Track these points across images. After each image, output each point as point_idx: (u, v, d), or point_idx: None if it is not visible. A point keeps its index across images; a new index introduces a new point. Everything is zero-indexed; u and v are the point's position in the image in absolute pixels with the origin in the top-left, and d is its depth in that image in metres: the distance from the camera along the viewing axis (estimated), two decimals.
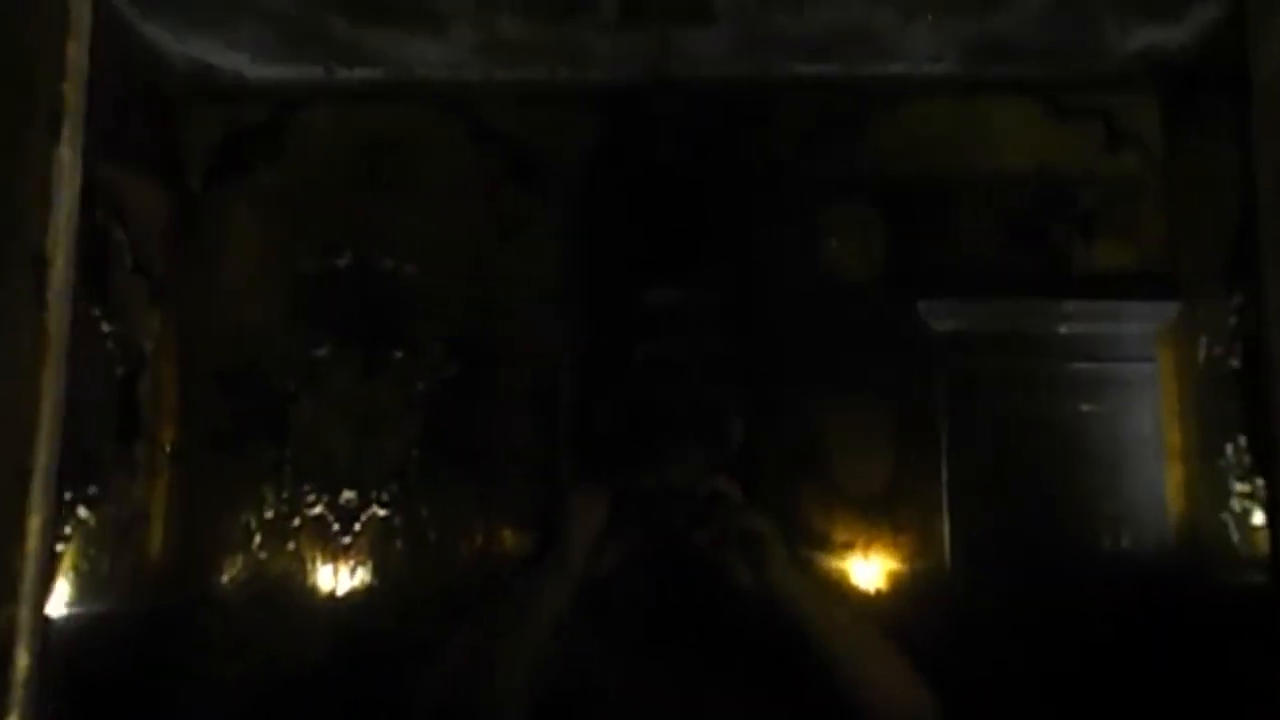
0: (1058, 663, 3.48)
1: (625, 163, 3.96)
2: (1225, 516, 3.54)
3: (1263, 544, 3.24)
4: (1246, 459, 3.36)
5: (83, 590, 3.40)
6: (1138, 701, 3.29)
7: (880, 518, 3.85)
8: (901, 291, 3.79)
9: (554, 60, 3.88)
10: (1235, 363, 3.44)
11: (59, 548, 3.32)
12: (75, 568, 3.40)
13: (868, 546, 3.81)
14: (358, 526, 4.01)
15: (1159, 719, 3.20)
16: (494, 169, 4.08)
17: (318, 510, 4.01)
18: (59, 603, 3.29)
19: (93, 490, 3.49)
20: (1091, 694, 3.40)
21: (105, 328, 3.63)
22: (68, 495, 3.38)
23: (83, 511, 3.44)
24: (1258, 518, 3.32)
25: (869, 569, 3.77)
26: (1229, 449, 3.49)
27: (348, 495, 4.02)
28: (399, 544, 4.00)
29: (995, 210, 3.87)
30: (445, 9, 3.60)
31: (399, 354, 4.07)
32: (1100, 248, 3.82)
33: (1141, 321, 3.76)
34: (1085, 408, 3.79)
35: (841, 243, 3.83)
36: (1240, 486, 3.43)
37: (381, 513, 4.01)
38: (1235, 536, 3.47)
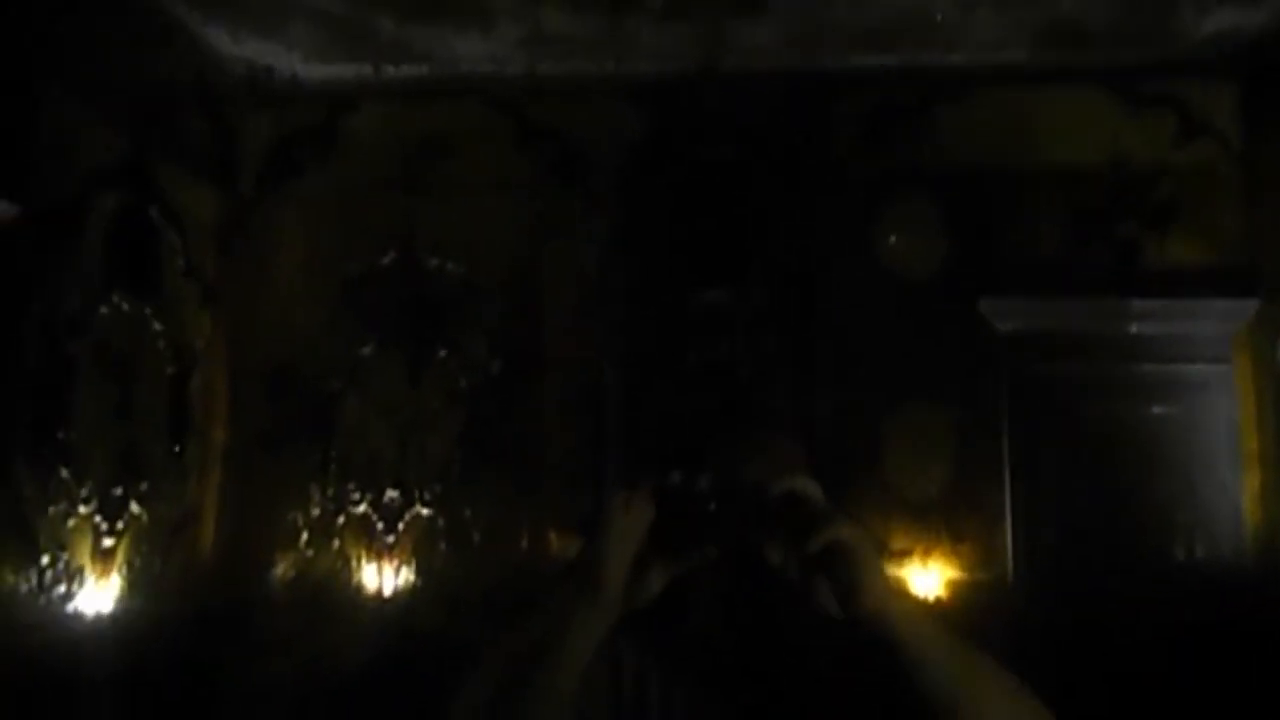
0: (1127, 679, 3.36)
1: (674, 158, 3.91)
2: None
3: None
4: None
5: (136, 588, 3.46)
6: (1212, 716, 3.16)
7: (939, 525, 3.76)
8: (963, 290, 3.69)
9: (600, 54, 3.85)
10: None
11: (109, 543, 3.38)
12: (129, 564, 3.45)
13: (926, 555, 3.72)
14: (401, 526, 4.03)
15: None
16: (539, 165, 4.07)
17: (362, 509, 4.04)
18: (113, 599, 3.35)
19: (144, 487, 3.55)
20: (1163, 711, 3.27)
21: (157, 327, 3.69)
22: (119, 490, 3.44)
23: (135, 507, 3.50)
24: None
25: (927, 578, 3.68)
26: None
27: (391, 494, 4.04)
28: (443, 544, 4.01)
29: (1063, 204, 3.75)
30: (490, 4, 3.60)
31: (443, 352, 4.08)
32: (1174, 243, 3.67)
33: (1217, 320, 3.61)
34: (1157, 411, 3.65)
35: (901, 239, 3.75)
36: None
37: (425, 512, 4.03)
38: None
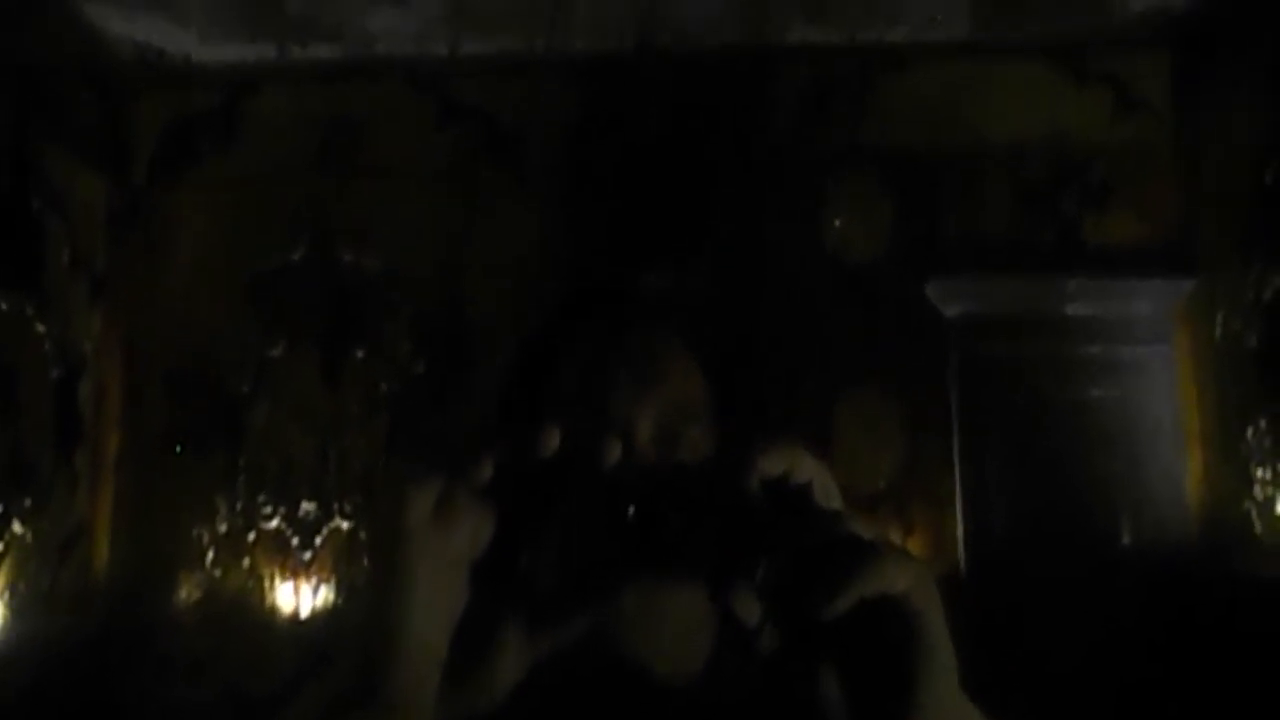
0: (1078, 664, 3.57)
1: (609, 139, 4.01)
2: (1248, 505, 3.63)
3: None
4: (1268, 442, 3.43)
5: (23, 608, 3.38)
6: (1161, 698, 3.39)
7: (890, 515, 3.94)
8: (909, 272, 3.89)
9: (529, 29, 3.94)
10: (1255, 340, 3.53)
11: None
12: (12, 588, 3.39)
13: None
14: (319, 540, 4.02)
15: (1183, 714, 3.30)
16: (465, 150, 4.13)
17: (275, 523, 4.02)
18: None
19: (28, 503, 3.48)
20: (1112, 693, 3.50)
21: (39, 328, 3.64)
22: None
23: (17, 526, 3.43)
24: None
25: None
26: (1249, 432, 3.58)
27: (307, 507, 4.03)
28: (366, 560, 4.02)
29: (1005, 182, 3.98)
30: None
31: (360, 353, 4.10)
32: (1113, 221, 3.95)
33: (1155, 299, 3.88)
34: (1100, 394, 3.90)
35: (846, 220, 3.93)
36: (1262, 473, 3.49)
37: (345, 525, 4.03)
38: (1259, 526, 3.56)
